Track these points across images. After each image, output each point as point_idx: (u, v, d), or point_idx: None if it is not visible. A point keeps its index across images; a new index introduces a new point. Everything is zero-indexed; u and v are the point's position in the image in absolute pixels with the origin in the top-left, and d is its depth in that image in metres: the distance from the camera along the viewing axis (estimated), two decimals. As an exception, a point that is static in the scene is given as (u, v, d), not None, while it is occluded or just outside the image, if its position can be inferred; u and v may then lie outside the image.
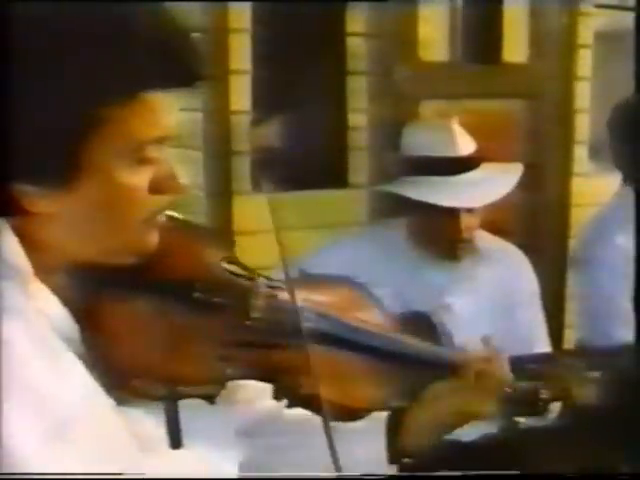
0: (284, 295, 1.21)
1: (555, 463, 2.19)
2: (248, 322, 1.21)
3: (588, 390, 2.06)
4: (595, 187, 3.56)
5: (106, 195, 1.07)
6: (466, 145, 2.46)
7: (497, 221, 2.62)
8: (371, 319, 1.36)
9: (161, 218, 1.14)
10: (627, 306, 2.46)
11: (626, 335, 2.28)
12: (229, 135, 3.08)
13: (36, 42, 1.01)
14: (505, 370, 1.45)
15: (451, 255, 2.45)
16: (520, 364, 1.82)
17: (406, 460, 1.39)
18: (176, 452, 1.14)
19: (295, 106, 3.15)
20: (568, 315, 3.66)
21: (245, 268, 1.25)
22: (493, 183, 2.40)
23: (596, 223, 2.70)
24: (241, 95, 3.08)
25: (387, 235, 2.52)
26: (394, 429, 1.37)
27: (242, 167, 3.08)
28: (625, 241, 2.48)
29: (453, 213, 2.37)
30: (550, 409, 2.07)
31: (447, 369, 1.41)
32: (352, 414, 1.29)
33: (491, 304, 2.33)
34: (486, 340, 1.46)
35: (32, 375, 1.02)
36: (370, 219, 3.18)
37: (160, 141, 1.10)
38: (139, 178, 1.09)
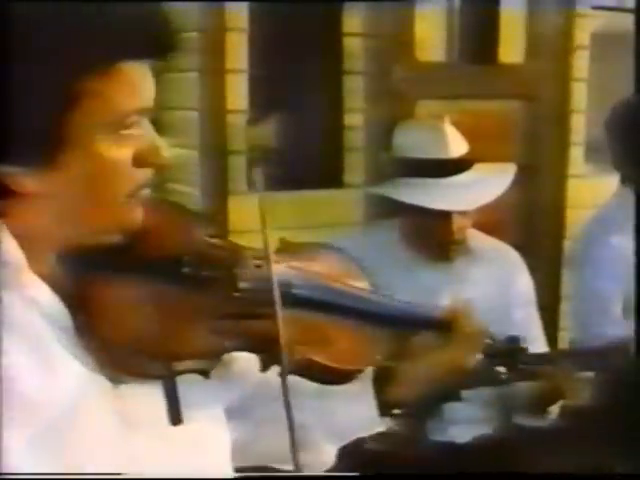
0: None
1: (549, 464, 2.19)
2: (236, 293, 1.22)
3: (582, 390, 2.07)
4: (591, 189, 3.56)
5: (90, 170, 1.07)
6: (458, 146, 2.44)
7: (492, 222, 2.62)
8: (354, 282, 1.39)
9: (145, 193, 1.13)
10: (623, 307, 2.47)
11: (620, 334, 2.28)
12: (225, 134, 3.08)
13: (16, 23, 1.00)
14: (480, 321, 1.48)
15: (444, 256, 2.44)
16: (517, 363, 1.84)
17: (396, 411, 1.40)
18: (173, 429, 1.15)
19: (292, 106, 3.15)
20: (563, 317, 3.67)
21: (229, 242, 1.27)
22: (485, 185, 2.39)
23: (594, 223, 2.70)
24: (237, 94, 3.08)
25: (380, 236, 2.51)
26: (381, 382, 1.39)
27: (238, 166, 3.08)
28: (623, 241, 2.48)
29: (445, 215, 2.36)
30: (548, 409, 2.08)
31: (430, 326, 1.45)
32: (343, 376, 1.31)
33: (485, 304, 2.32)
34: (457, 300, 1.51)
35: (25, 383, 1.02)
36: (366, 219, 3.18)
37: (140, 112, 1.09)
38: (122, 151, 1.08)
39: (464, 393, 2.17)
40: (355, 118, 3.33)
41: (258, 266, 1.24)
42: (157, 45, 1.09)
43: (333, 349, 1.29)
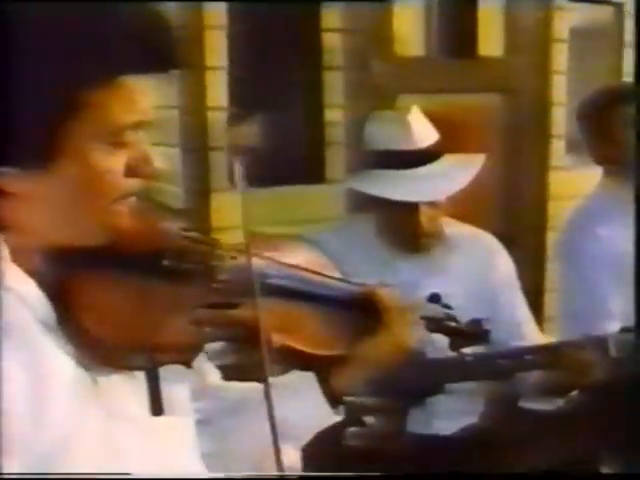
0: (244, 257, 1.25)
1: (534, 454, 2.20)
2: (215, 285, 1.26)
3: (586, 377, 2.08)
4: (572, 180, 3.58)
5: (82, 177, 1.09)
6: (425, 137, 2.43)
7: (474, 214, 2.62)
8: (323, 270, 1.41)
9: (132, 200, 1.16)
10: (609, 297, 2.46)
11: (608, 326, 2.28)
12: (206, 131, 3.08)
13: (17, 28, 1.04)
14: (410, 298, 1.47)
15: (418, 248, 2.43)
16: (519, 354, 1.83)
17: (348, 399, 1.41)
18: (154, 419, 1.17)
19: (272, 102, 3.15)
20: (547, 307, 3.69)
21: (203, 234, 1.31)
22: (451, 176, 2.37)
23: (578, 215, 2.70)
24: (217, 91, 3.08)
25: (356, 231, 2.51)
26: (324, 374, 1.40)
27: (219, 163, 3.08)
28: (607, 232, 2.49)
29: (412, 206, 2.35)
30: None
31: (354, 305, 1.43)
32: (318, 360, 1.34)
33: (468, 291, 2.32)
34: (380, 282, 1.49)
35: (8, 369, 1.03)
36: (348, 214, 3.18)
37: (137, 126, 1.12)
38: (115, 161, 1.11)
39: (448, 386, 2.18)
40: (335, 113, 3.34)
41: (234, 257, 1.28)
42: (159, 61, 1.12)
43: (307, 335, 1.32)
